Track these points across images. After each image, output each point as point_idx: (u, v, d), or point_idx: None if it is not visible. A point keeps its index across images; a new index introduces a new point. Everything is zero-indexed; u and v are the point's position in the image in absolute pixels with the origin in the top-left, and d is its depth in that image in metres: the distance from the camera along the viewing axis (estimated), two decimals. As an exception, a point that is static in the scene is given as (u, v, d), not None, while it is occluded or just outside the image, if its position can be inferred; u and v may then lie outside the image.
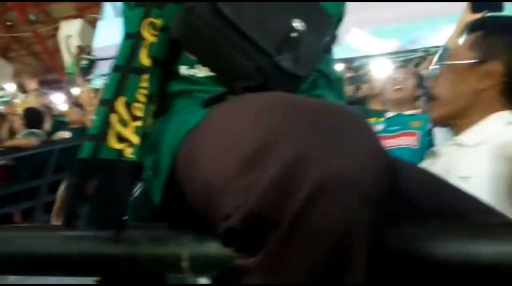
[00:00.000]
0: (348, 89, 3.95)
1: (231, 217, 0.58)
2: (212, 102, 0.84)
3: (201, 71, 0.88)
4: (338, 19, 1.01)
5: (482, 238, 0.67)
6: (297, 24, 0.85)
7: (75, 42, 10.77)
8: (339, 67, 7.85)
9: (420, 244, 0.68)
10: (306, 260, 0.54)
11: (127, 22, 0.91)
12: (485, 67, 1.28)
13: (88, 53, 11.15)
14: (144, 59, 0.86)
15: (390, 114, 2.85)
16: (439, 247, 0.67)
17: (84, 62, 10.72)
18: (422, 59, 6.49)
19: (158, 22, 0.88)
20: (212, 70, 0.87)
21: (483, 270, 0.65)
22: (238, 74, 0.84)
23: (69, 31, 11.06)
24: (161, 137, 0.87)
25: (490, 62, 1.28)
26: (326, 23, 0.93)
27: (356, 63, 7.57)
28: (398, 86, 2.81)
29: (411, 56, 7.53)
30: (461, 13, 2.40)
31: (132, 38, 0.88)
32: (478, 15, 2.57)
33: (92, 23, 13.25)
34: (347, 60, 8.36)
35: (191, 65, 0.89)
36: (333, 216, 0.53)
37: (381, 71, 3.95)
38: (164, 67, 0.89)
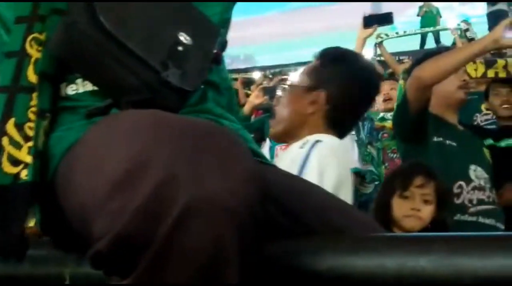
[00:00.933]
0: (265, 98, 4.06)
1: (99, 242, 0.57)
2: (95, 115, 0.81)
3: (84, 87, 0.86)
4: (224, 25, 1.00)
5: (362, 251, 0.68)
6: (183, 37, 0.83)
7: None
8: (256, 75, 7.96)
9: (302, 258, 0.69)
10: (177, 281, 0.55)
11: (9, 40, 0.86)
12: (312, 95, 1.44)
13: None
14: (31, 76, 0.83)
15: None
16: (320, 261, 0.68)
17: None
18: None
19: (41, 37, 0.84)
20: (96, 85, 0.85)
21: (363, 283, 0.67)
22: (122, 90, 0.81)
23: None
24: (44, 155, 0.83)
25: (317, 90, 1.44)
26: (213, 34, 0.91)
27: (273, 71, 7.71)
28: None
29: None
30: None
31: (16, 56, 0.84)
32: (370, 30, 2.72)
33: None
34: (263, 69, 8.51)
35: (73, 81, 0.86)
36: (202, 237, 0.53)
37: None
38: (54, 82, 0.86)
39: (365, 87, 1.48)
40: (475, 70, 3.38)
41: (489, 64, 3.33)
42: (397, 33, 6.17)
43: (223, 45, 0.98)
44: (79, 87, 0.86)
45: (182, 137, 0.61)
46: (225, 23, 1.00)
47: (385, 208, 1.79)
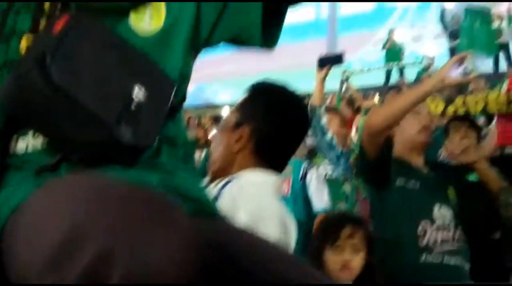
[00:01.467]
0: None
1: None
2: (45, 171, 0.79)
3: (35, 140, 0.83)
4: (184, 80, 0.98)
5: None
6: (138, 91, 0.81)
7: None
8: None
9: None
10: None
11: None
12: (238, 131, 1.39)
13: None
14: None
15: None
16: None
17: None
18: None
19: None
20: (47, 140, 0.82)
21: None
22: (73, 145, 0.80)
23: None
24: None
25: (243, 126, 1.39)
26: (170, 89, 0.89)
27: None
28: None
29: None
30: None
31: None
32: (325, 71, 2.79)
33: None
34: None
35: (24, 134, 0.83)
36: None
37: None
38: (4, 136, 0.83)
39: (292, 119, 1.42)
40: (436, 107, 3.44)
41: (448, 101, 3.40)
42: (361, 69, 6.31)
43: (182, 98, 0.97)
44: (29, 141, 0.83)
45: (119, 207, 0.60)
46: (185, 77, 0.98)
47: (318, 261, 1.81)
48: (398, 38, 9.31)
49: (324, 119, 2.87)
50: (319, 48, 9.65)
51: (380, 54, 9.70)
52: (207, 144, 5.48)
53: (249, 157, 1.38)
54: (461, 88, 4.28)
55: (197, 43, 0.98)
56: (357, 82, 6.29)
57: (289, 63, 10.15)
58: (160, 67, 0.88)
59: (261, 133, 1.37)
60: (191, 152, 1.05)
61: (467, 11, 3.79)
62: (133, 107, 0.80)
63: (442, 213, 2.12)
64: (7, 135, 0.84)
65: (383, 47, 9.33)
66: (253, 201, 1.30)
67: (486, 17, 3.68)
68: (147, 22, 0.91)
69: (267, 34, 0.99)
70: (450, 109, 3.41)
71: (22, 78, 0.78)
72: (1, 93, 0.81)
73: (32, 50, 0.82)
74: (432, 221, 2.08)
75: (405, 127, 2.13)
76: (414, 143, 2.21)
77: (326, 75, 2.88)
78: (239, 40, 1.02)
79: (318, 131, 2.83)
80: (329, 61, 2.90)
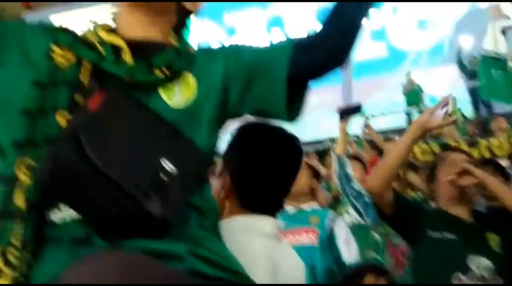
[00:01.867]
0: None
1: None
2: (79, 243, 0.83)
3: (69, 213, 0.86)
4: (211, 150, 1.00)
5: None
6: (167, 165, 0.83)
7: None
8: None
9: None
10: None
11: (2, 164, 0.88)
12: (222, 177, 1.37)
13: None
14: (20, 202, 0.84)
15: (289, 208, 2.87)
16: None
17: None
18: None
19: (34, 163, 0.86)
20: (79, 214, 0.85)
21: None
22: (105, 219, 0.82)
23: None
24: None
25: (224, 172, 1.36)
26: (198, 160, 0.92)
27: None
28: None
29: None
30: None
31: (6, 181, 0.85)
32: (345, 122, 2.83)
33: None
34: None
35: (58, 207, 0.87)
36: None
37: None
38: (41, 208, 0.86)
39: (269, 157, 1.34)
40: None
41: (471, 144, 3.36)
42: (383, 113, 6.34)
43: (209, 167, 1.00)
44: (64, 214, 0.86)
45: None
46: (213, 148, 1.01)
47: None
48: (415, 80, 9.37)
49: (349, 167, 2.87)
50: (335, 92, 9.80)
51: (395, 98, 9.81)
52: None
53: (234, 202, 1.34)
54: (484, 130, 4.26)
55: (224, 116, 1.03)
56: (378, 125, 6.29)
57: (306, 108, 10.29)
58: (189, 139, 0.92)
59: (238, 176, 1.33)
60: (217, 220, 1.07)
61: (484, 57, 3.81)
62: (162, 180, 0.83)
63: (479, 263, 2.03)
64: (44, 207, 0.86)
65: (403, 92, 9.38)
66: (234, 247, 1.18)
67: (503, 64, 3.70)
68: (177, 96, 0.96)
69: (291, 108, 1.02)
70: (474, 152, 3.37)
71: (58, 155, 0.83)
72: (39, 169, 0.85)
73: (68, 127, 0.86)
74: (468, 273, 1.99)
75: (439, 178, 2.14)
76: (450, 192, 2.16)
77: (347, 125, 2.95)
78: (264, 113, 1.06)
79: (343, 180, 2.82)
80: (349, 112, 3.03)
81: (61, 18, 13.64)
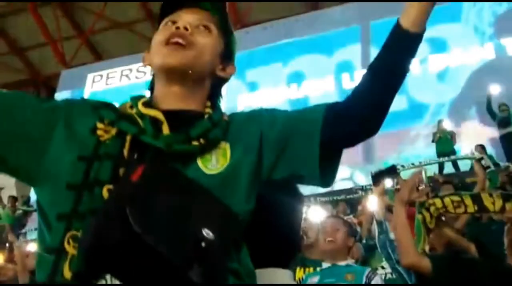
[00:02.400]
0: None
1: None
2: None
3: (113, 282, 0.87)
4: (246, 215, 1.01)
5: None
6: (206, 232, 0.85)
7: (8, 192, 10.46)
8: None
9: None
10: None
11: (50, 236, 0.92)
12: None
13: (25, 203, 10.82)
14: (67, 273, 0.87)
15: (325, 264, 2.89)
16: None
17: (18, 212, 10.38)
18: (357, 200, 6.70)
19: (79, 234, 0.89)
20: (123, 283, 0.86)
21: None
22: None
23: (1, 183, 10.75)
24: None
25: None
26: (235, 225, 0.94)
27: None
28: (329, 238, 2.89)
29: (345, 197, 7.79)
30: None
31: (54, 253, 0.89)
32: (381, 186, 2.86)
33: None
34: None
35: (103, 277, 0.87)
36: None
37: (315, 218, 4.06)
38: (87, 278, 0.88)
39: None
40: (493, 204, 3.41)
41: (506, 198, 3.36)
42: (413, 164, 6.27)
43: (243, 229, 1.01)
44: (107, 282, 0.87)
45: None
46: (248, 213, 1.02)
47: None
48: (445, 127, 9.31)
49: (387, 223, 2.89)
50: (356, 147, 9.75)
51: (418, 151, 9.87)
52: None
53: None
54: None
55: (259, 181, 1.04)
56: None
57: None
58: (227, 206, 0.93)
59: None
60: (255, 282, 1.07)
61: None
62: (202, 247, 0.84)
63: None
64: (90, 277, 0.88)
65: (433, 140, 9.30)
66: None
67: None
68: (213, 163, 1.00)
69: (324, 172, 1.03)
70: (508, 205, 3.35)
71: (103, 227, 0.85)
72: (84, 239, 0.87)
73: (112, 200, 0.89)
74: None
75: None
76: None
77: (382, 190, 2.98)
78: (298, 177, 1.08)
79: (387, 244, 2.84)
80: (383, 175, 3.00)
81: (97, 75, 14.11)
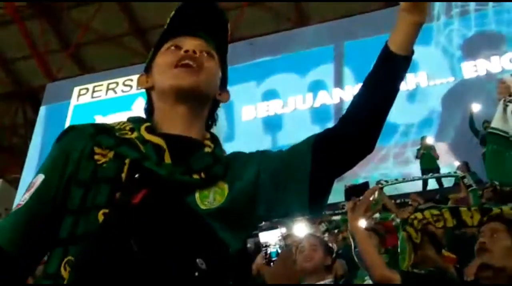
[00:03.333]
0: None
1: None
2: None
3: None
4: (239, 254, 1.04)
5: None
6: (200, 263, 0.89)
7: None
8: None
9: None
10: None
11: (49, 263, 0.94)
12: None
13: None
14: None
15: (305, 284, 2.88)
16: None
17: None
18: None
19: (73, 258, 0.91)
20: None
21: None
22: None
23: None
24: None
25: None
26: (226, 258, 0.98)
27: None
28: (308, 258, 2.88)
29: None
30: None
31: (52, 279, 0.91)
32: (353, 202, 2.83)
33: (13, 184, 12.92)
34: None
35: None
36: None
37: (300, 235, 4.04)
38: None
39: None
40: (471, 218, 3.42)
41: (484, 211, 3.37)
42: (396, 179, 6.29)
43: (237, 271, 1.07)
44: None
45: None
46: (236, 251, 1.03)
47: None
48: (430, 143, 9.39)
49: None
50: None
51: (388, 170, 10.01)
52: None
53: None
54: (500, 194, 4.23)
55: (251, 220, 1.07)
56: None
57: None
58: (220, 238, 0.97)
59: None
60: None
61: (489, 135, 3.81)
62: (195, 278, 0.88)
63: None
64: None
65: (416, 156, 9.37)
66: None
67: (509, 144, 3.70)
68: (210, 200, 1.00)
69: (314, 204, 1.04)
70: (485, 219, 3.36)
71: (106, 251, 0.88)
72: (81, 262, 0.89)
73: (111, 221, 0.91)
74: None
75: None
76: None
77: (355, 204, 2.85)
78: (288, 214, 1.09)
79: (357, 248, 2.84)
80: (355, 190, 2.96)
81: (83, 88, 14.04)
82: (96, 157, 1.00)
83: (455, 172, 6.36)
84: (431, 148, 9.29)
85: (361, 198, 2.64)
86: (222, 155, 1.10)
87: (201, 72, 1.09)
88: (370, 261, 2.27)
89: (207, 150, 1.07)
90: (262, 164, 1.07)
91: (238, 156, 1.13)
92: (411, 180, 6.78)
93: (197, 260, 0.88)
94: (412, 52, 1.04)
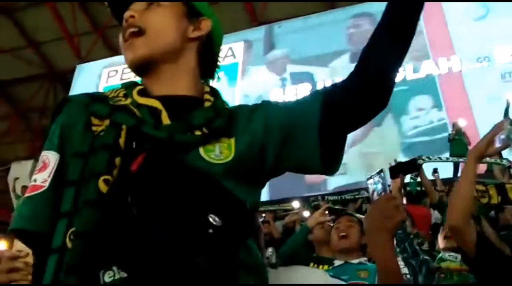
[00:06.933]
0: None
1: None
2: None
3: (120, 274, 0.87)
4: (252, 208, 1.00)
5: None
6: (212, 219, 0.84)
7: (23, 183, 10.57)
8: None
9: None
10: None
11: (55, 235, 0.91)
12: None
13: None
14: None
15: (337, 262, 2.83)
16: None
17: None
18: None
19: (78, 228, 0.88)
20: (130, 274, 0.86)
21: None
22: (153, 275, 0.83)
23: (17, 173, 10.86)
24: None
25: None
26: (242, 212, 0.92)
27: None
28: (343, 234, 2.83)
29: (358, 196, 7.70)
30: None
31: (58, 252, 0.88)
32: (398, 180, 2.62)
33: (44, 164, 13.12)
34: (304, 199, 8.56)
35: (110, 268, 0.88)
36: None
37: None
38: (93, 270, 0.87)
39: None
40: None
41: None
42: (439, 158, 5.96)
43: (252, 225, 1.00)
44: (115, 274, 0.87)
45: None
46: (253, 204, 1.00)
47: None
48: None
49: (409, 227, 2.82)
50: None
51: None
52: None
53: None
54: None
55: (263, 173, 1.04)
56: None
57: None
58: (231, 192, 0.91)
59: None
60: (265, 275, 1.05)
61: None
62: (209, 235, 0.83)
63: None
64: (97, 267, 0.88)
65: (449, 139, 9.19)
66: None
67: None
68: (217, 154, 0.97)
69: (327, 161, 1.01)
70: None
71: (104, 217, 0.87)
72: (85, 231, 0.88)
73: (112, 190, 0.89)
74: None
75: None
76: None
77: (401, 185, 2.50)
78: (301, 168, 1.06)
79: (401, 238, 2.78)
80: (402, 168, 2.67)
81: (112, 70, 14.18)
82: (93, 128, 0.98)
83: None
84: (462, 133, 9.08)
85: (409, 175, 2.47)
86: (225, 107, 1.06)
87: (146, 33, 1.03)
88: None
89: (207, 104, 1.03)
90: (269, 115, 1.04)
91: (242, 108, 1.09)
92: (455, 161, 6.47)
93: (210, 216, 0.83)
94: None
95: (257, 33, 13.05)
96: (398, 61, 1.01)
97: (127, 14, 1.05)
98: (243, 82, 12.67)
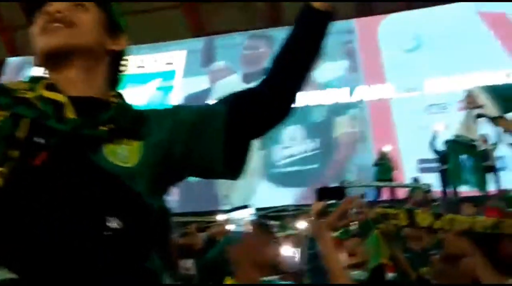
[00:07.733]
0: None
1: None
2: None
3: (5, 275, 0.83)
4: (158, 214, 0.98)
5: None
6: (111, 221, 0.84)
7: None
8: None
9: None
10: None
11: None
12: None
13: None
14: None
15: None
16: None
17: None
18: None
19: None
20: (20, 276, 0.82)
21: None
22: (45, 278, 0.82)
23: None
24: None
25: None
26: (147, 215, 0.92)
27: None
28: None
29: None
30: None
31: None
32: (321, 204, 2.60)
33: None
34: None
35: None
36: None
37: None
38: None
39: None
40: (423, 220, 3.39)
41: (436, 216, 3.35)
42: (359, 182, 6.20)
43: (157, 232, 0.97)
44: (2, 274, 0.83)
45: None
46: (159, 208, 0.99)
47: None
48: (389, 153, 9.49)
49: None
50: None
51: None
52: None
53: None
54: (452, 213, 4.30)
55: (169, 178, 1.03)
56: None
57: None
58: (138, 193, 0.91)
59: None
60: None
61: (453, 142, 3.80)
62: (106, 237, 0.84)
63: None
64: None
65: (374, 164, 9.50)
66: None
67: (472, 151, 3.73)
68: (124, 155, 0.96)
69: (231, 165, 1.04)
70: (437, 224, 3.37)
71: (5, 214, 0.83)
72: None
73: (10, 183, 0.86)
74: None
75: None
76: None
77: (323, 209, 2.54)
78: (206, 172, 1.09)
79: (311, 258, 2.76)
80: (328, 193, 2.61)
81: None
82: None
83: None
84: (387, 158, 9.42)
85: (332, 201, 2.49)
86: (131, 108, 1.06)
87: (72, 27, 1.01)
88: (336, 272, 2.14)
89: (113, 105, 1.02)
90: (179, 117, 1.05)
91: (153, 112, 1.09)
92: (375, 185, 6.74)
93: (107, 218, 0.83)
94: (332, 8, 1.08)
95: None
96: (300, 81, 1.08)
97: (51, 8, 1.02)
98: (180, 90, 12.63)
